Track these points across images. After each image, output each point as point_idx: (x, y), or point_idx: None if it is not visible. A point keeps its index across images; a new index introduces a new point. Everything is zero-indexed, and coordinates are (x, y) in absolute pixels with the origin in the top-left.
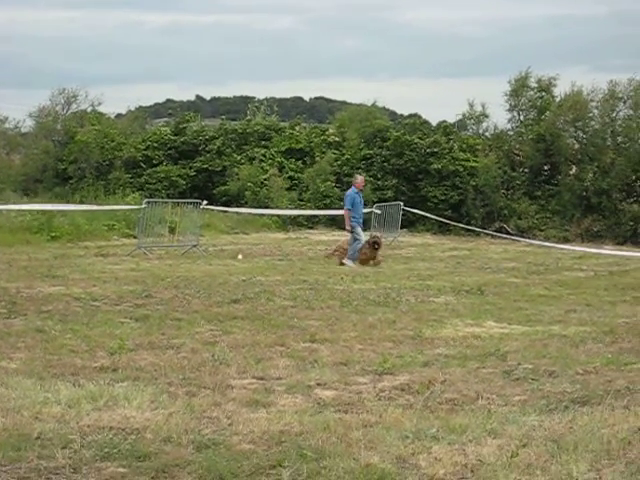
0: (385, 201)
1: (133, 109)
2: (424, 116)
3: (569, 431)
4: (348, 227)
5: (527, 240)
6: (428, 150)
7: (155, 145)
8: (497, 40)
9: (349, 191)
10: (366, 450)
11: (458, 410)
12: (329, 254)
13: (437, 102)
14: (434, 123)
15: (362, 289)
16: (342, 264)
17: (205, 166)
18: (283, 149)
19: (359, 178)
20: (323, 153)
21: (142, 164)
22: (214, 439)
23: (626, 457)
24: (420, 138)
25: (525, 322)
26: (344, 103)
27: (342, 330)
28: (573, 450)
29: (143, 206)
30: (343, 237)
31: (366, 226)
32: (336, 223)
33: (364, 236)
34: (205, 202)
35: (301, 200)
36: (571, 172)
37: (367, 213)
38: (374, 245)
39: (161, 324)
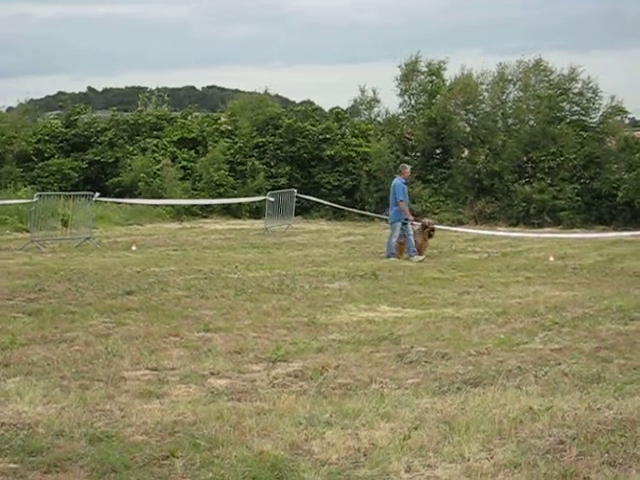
0: (279, 188)
1: (24, 102)
2: (318, 103)
3: (461, 412)
4: (411, 218)
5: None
6: (320, 137)
7: (46, 138)
8: (389, 25)
9: (397, 181)
10: (259, 438)
11: (351, 395)
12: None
13: (330, 88)
14: (327, 109)
15: (256, 277)
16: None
17: (97, 158)
18: (175, 139)
19: (407, 168)
20: (216, 142)
21: (34, 157)
22: (107, 432)
23: (517, 436)
24: (312, 125)
25: (419, 305)
26: (237, 91)
27: (236, 319)
28: (465, 431)
29: (35, 199)
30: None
31: (260, 214)
32: (230, 212)
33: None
34: (97, 194)
35: (195, 190)
36: (463, 155)
37: (261, 201)
38: (430, 231)
39: (54, 318)
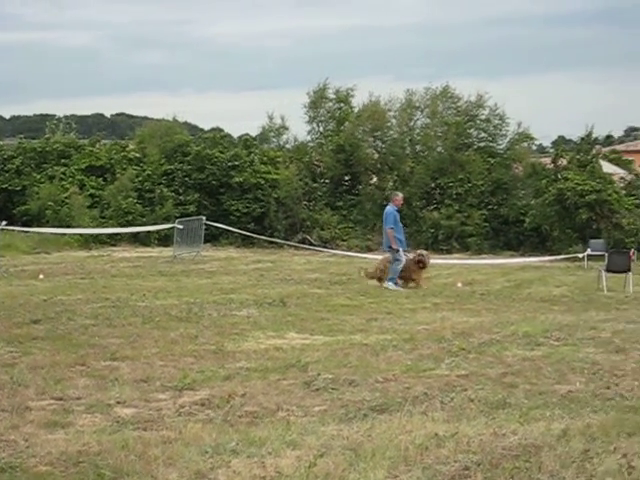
0: (187, 216)
1: None
2: (227, 130)
3: (367, 439)
4: (395, 246)
5: (330, 250)
6: (229, 164)
7: None
8: (300, 52)
9: (389, 209)
10: (165, 467)
11: (258, 423)
12: (369, 274)
13: (240, 115)
14: (236, 136)
15: (164, 305)
16: (383, 286)
17: (4, 186)
18: (83, 167)
19: (399, 195)
20: (124, 170)
21: None
22: (10, 462)
23: (423, 462)
24: (221, 152)
25: (327, 332)
26: (146, 119)
27: (143, 347)
28: (371, 458)
29: None
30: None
31: (168, 242)
32: (139, 240)
33: (403, 257)
34: (4, 222)
35: (103, 218)
36: (371, 182)
37: (170, 228)
38: (419, 264)
39: None
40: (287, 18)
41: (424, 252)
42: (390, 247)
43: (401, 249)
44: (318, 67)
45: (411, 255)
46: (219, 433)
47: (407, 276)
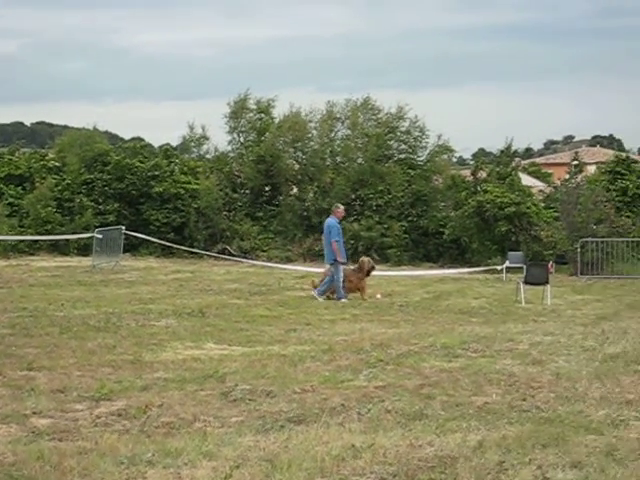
0: (107, 225)
1: None
2: (148, 139)
3: (284, 450)
4: (341, 259)
5: (250, 261)
6: (149, 173)
7: None
8: (223, 62)
9: (331, 220)
10: (80, 478)
11: (174, 434)
12: (314, 283)
13: (161, 125)
14: (157, 146)
15: (83, 315)
16: (331, 298)
17: None
18: (2, 175)
19: (341, 207)
20: (43, 179)
21: None
22: None
23: (339, 474)
24: (141, 162)
25: (245, 343)
26: (66, 127)
27: (61, 357)
28: (287, 469)
29: None
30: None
31: (88, 251)
32: (58, 249)
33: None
34: None
35: (22, 227)
36: (292, 192)
37: (89, 238)
38: (369, 272)
39: None
40: (214, 28)
41: (367, 259)
42: (335, 260)
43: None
44: (241, 77)
45: (352, 266)
46: (135, 444)
47: (352, 286)
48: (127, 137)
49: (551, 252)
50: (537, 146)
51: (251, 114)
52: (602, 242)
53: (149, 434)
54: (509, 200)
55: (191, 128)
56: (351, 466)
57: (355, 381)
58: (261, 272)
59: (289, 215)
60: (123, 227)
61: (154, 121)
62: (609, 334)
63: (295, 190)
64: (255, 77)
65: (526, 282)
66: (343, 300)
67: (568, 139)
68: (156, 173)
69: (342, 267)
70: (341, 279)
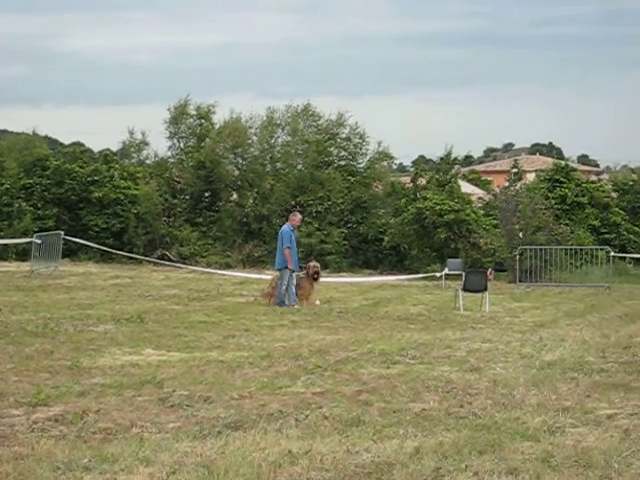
0: (46, 230)
1: None
2: (88, 144)
3: (221, 456)
4: (291, 267)
5: (189, 267)
6: (89, 179)
7: None
8: (164, 67)
9: (285, 228)
10: None
11: (111, 439)
12: (265, 295)
13: (101, 130)
14: (97, 151)
15: (20, 320)
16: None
17: None
18: None
19: (298, 215)
20: None
21: None
22: None
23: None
24: (81, 167)
25: (184, 349)
26: (5, 132)
27: None
28: (224, 475)
29: None
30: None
31: (26, 256)
32: None
33: (294, 279)
34: None
35: None
36: (232, 198)
37: (28, 243)
38: (314, 276)
39: None
40: (156, 33)
41: (317, 264)
42: (286, 267)
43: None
44: (182, 83)
45: (301, 272)
46: (72, 449)
47: (304, 293)
48: (67, 142)
49: (490, 259)
50: (477, 154)
51: (191, 120)
52: (540, 249)
53: (86, 440)
54: (448, 207)
55: (131, 133)
56: (288, 472)
57: (293, 387)
58: (200, 278)
59: (229, 221)
60: (62, 232)
61: (94, 126)
62: (547, 341)
63: (235, 196)
64: (196, 83)
65: (465, 289)
66: (290, 306)
67: (508, 147)
68: (96, 178)
69: (293, 274)
70: (285, 285)
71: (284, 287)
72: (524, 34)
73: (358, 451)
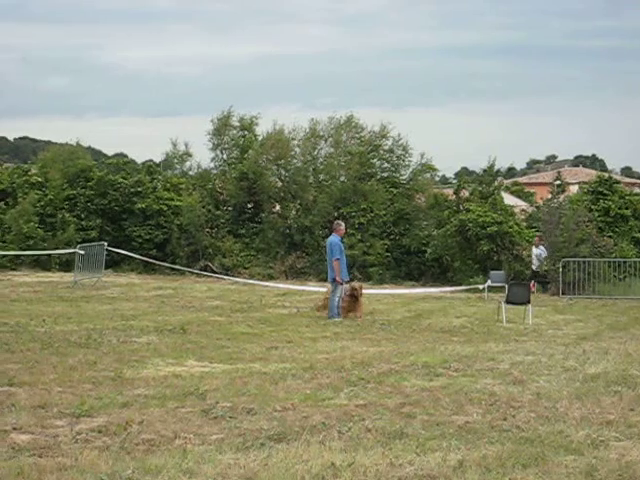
0: (89, 241)
1: None
2: (131, 156)
3: (264, 468)
4: (339, 279)
5: (232, 278)
6: (132, 190)
7: None
8: (207, 79)
9: (333, 239)
10: None
11: (155, 451)
12: (319, 307)
13: (144, 141)
14: (140, 162)
15: (64, 330)
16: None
17: None
18: None
19: (342, 225)
20: (26, 194)
21: None
22: None
23: None
24: (124, 178)
25: (226, 360)
26: (49, 143)
27: (41, 373)
28: None
29: None
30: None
31: (70, 267)
32: (40, 264)
33: (342, 291)
34: None
35: (3, 242)
36: (274, 210)
37: (71, 253)
38: (352, 297)
39: None
40: (197, 46)
41: (357, 284)
42: (334, 279)
43: (345, 281)
44: (225, 95)
45: (346, 286)
46: (115, 461)
47: (344, 307)
48: (110, 153)
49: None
50: (520, 165)
51: (234, 131)
52: (584, 262)
53: (129, 451)
54: (491, 219)
55: (174, 145)
56: None
57: (336, 399)
58: (243, 289)
59: (271, 232)
60: (105, 243)
61: (137, 137)
62: (590, 354)
63: (277, 208)
64: (239, 94)
65: (508, 301)
66: (336, 319)
67: (551, 159)
68: (139, 189)
69: (342, 287)
70: (337, 297)
71: (336, 299)
72: (560, 44)
73: (401, 464)
